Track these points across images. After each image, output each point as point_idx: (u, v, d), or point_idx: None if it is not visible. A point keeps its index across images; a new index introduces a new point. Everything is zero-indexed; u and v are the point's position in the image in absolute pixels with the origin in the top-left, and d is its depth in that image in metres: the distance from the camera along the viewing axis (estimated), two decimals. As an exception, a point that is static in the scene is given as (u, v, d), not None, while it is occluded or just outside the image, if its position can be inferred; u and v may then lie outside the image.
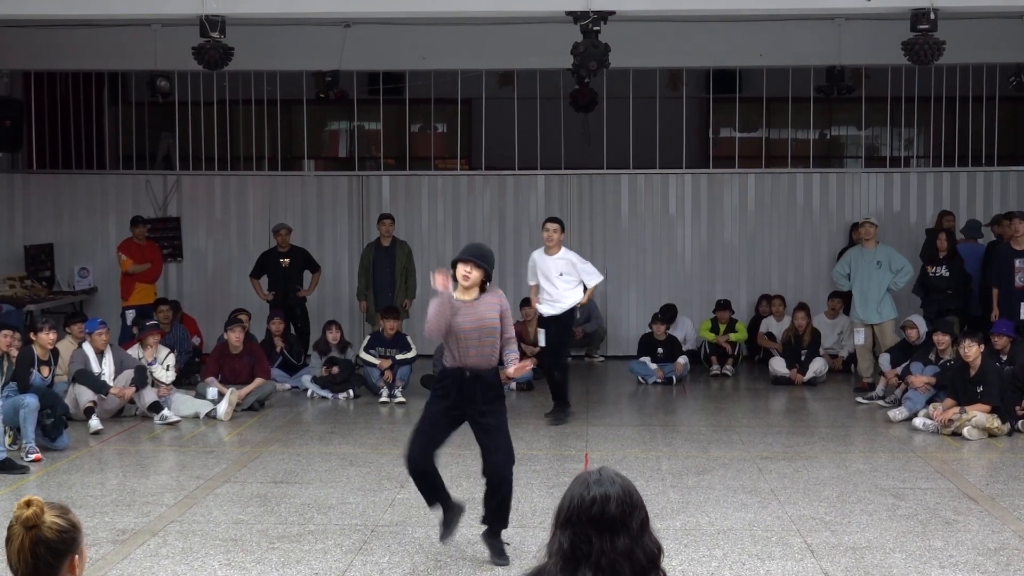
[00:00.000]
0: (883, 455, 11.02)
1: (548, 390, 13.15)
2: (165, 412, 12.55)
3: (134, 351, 13.38)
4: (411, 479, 7.71)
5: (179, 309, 16.38)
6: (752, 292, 17.53)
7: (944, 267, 14.70)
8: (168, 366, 13.49)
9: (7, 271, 17.02)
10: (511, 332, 7.57)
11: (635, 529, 3.24)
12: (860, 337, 14.57)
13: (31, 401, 10.76)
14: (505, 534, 7.66)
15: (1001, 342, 12.83)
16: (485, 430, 7.48)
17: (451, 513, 7.59)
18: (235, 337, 13.82)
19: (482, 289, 7.45)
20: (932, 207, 17.37)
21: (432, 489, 7.58)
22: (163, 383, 13.20)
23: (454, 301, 7.36)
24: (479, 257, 7.40)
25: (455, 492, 9.14)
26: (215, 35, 12.16)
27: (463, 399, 7.42)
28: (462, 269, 7.35)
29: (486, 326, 7.35)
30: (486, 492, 7.57)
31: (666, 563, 7.58)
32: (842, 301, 16.21)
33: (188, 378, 14.54)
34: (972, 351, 11.88)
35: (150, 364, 13.26)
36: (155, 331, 13.77)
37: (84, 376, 12.38)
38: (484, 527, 7.63)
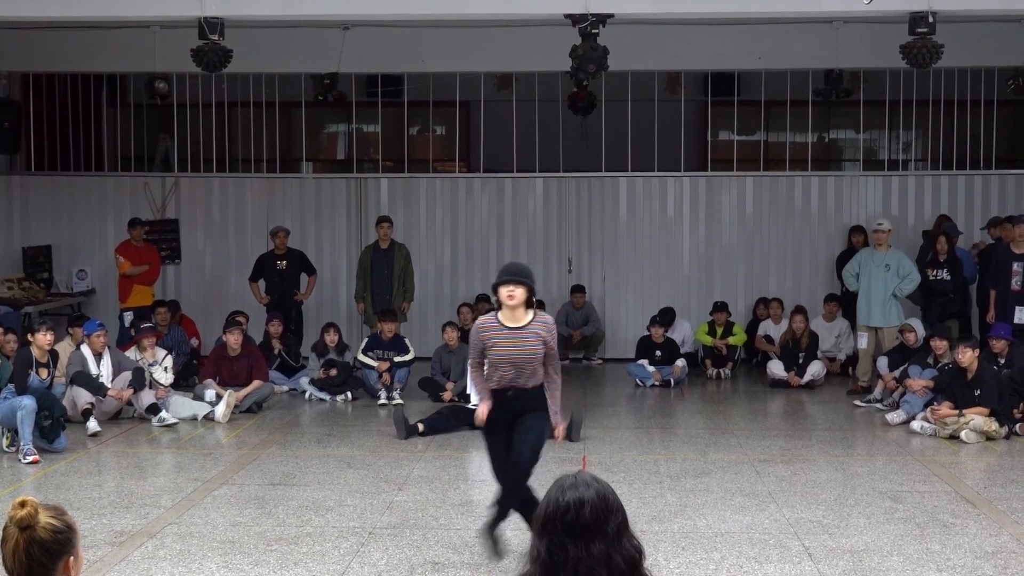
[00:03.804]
0: (881, 458, 11.03)
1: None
2: (163, 414, 12.55)
3: (131, 353, 13.37)
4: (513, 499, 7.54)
5: (178, 309, 16.38)
6: (750, 295, 17.53)
7: (945, 270, 14.71)
8: (166, 368, 13.49)
9: (5, 272, 17.00)
10: (553, 353, 7.44)
11: (612, 534, 3.21)
12: (863, 341, 14.58)
13: (28, 403, 10.75)
14: (504, 534, 7.62)
15: (999, 345, 12.83)
16: (519, 427, 7.40)
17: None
18: (233, 339, 13.81)
19: (528, 305, 7.34)
20: (930, 210, 17.38)
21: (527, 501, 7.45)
22: (161, 385, 13.19)
23: (486, 334, 7.33)
24: (520, 275, 7.30)
25: (453, 493, 9.15)
26: (214, 37, 12.16)
27: (508, 412, 7.42)
28: (505, 291, 7.23)
29: (524, 356, 7.28)
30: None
31: (664, 566, 7.60)
32: (839, 304, 16.22)
33: (186, 380, 14.54)
34: (966, 356, 11.87)
35: (151, 365, 13.26)
36: (151, 333, 13.76)
37: (82, 378, 12.37)
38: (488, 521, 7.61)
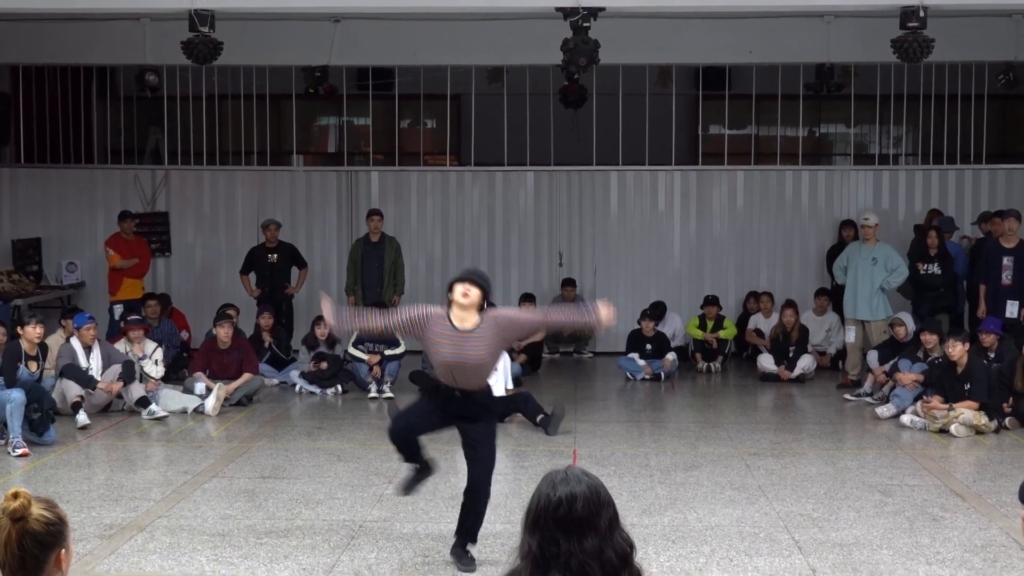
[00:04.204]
0: (871, 452, 11.05)
1: (541, 386, 13.15)
2: (153, 407, 12.53)
3: (120, 346, 13.35)
4: (393, 442, 7.63)
5: (169, 303, 16.36)
6: (741, 289, 17.55)
7: (936, 265, 14.73)
8: (156, 360, 13.47)
9: (-5, 265, 16.97)
10: (531, 319, 7.40)
11: (604, 528, 3.21)
12: (851, 335, 14.63)
13: (17, 396, 10.73)
14: (482, 539, 7.58)
15: (989, 339, 12.86)
16: (469, 441, 7.41)
17: (421, 473, 7.61)
18: (223, 333, 13.79)
19: (480, 309, 7.20)
20: (921, 205, 17.41)
21: (410, 449, 7.56)
22: (152, 378, 13.17)
23: (431, 324, 7.21)
24: (479, 276, 7.23)
25: (443, 487, 9.14)
26: (204, 29, 12.14)
27: (453, 411, 7.37)
28: (461, 287, 7.11)
29: (466, 362, 7.15)
30: (463, 502, 7.49)
31: (654, 559, 7.60)
32: (829, 298, 16.24)
33: (176, 373, 14.52)
34: (956, 350, 11.90)
35: (140, 359, 13.23)
36: (138, 326, 13.72)
37: (71, 371, 12.35)
38: (455, 538, 7.56)
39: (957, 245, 15.83)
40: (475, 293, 7.12)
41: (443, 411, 7.40)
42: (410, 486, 7.67)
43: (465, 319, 7.17)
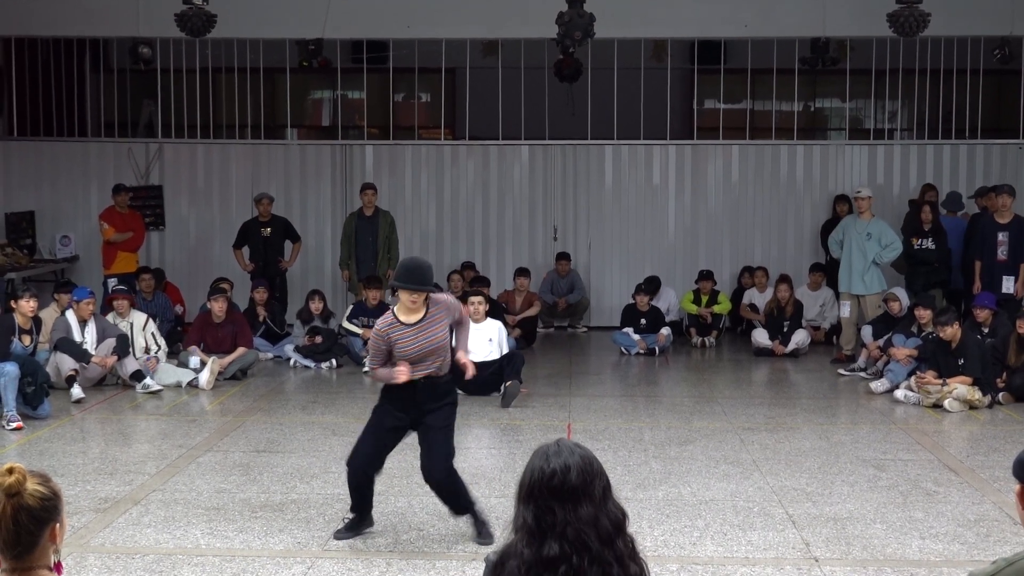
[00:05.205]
0: (865, 426, 11.07)
1: (535, 360, 13.15)
2: (147, 381, 12.53)
3: (111, 318, 13.33)
4: (349, 482, 7.52)
5: (163, 277, 16.34)
6: (735, 264, 17.54)
7: (930, 240, 14.74)
8: (154, 334, 13.46)
9: (-12, 239, 16.93)
10: (463, 320, 7.41)
11: (598, 497, 3.25)
12: (846, 309, 14.65)
13: (11, 369, 10.73)
14: (486, 510, 7.59)
15: (983, 315, 12.88)
16: (426, 428, 7.37)
17: (361, 524, 7.54)
18: (218, 307, 13.78)
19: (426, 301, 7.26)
20: (916, 180, 17.39)
21: (366, 492, 7.50)
22: (156, 359, 13.22)
23: (390, 334, 7.22)
24: (417, 283, 7.14)
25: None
26: (198, 2, 12.13)
27: (414, 404, 7.30)
28: (408, 297, 7.15)
29: (431, 348, 7.20)
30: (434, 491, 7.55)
31: (648, 533, 7.61)
32: (824, 273, 16.25)
33: (170, 347, 14.51)
34: (947, 332, 11.90)
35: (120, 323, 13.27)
36: (122, 295, 13.67)
37: (66, 344, 12.34)
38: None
39: (960, 220, 15.78)
40: (420, 299, 7.17)
41: (400, 411, 7.34)
42: (345, 535, 7.47)
43: (413, 316, 7.21)
